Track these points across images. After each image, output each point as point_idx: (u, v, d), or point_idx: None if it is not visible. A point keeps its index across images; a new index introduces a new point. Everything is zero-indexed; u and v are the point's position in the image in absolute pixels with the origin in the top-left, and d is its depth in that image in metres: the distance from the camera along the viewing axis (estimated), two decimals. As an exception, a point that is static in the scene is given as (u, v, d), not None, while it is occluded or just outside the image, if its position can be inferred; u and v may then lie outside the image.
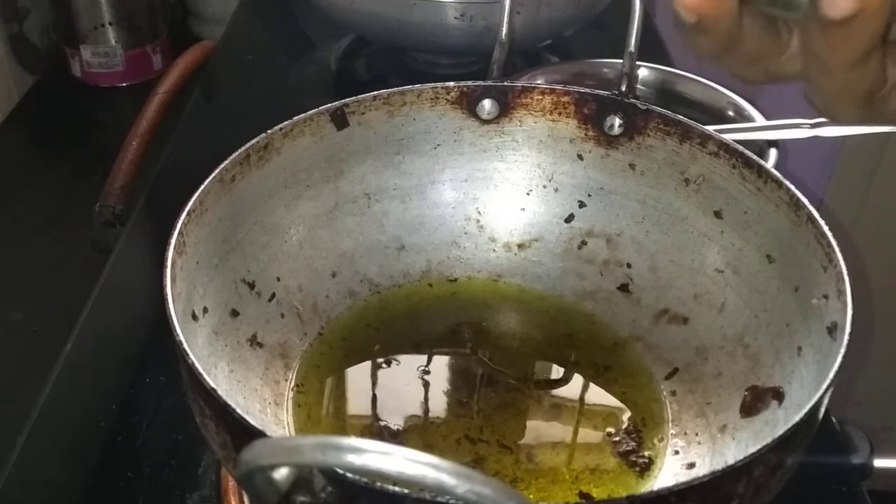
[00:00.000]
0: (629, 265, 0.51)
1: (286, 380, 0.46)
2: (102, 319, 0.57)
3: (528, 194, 0.54)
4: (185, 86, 0.78)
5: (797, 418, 0.33)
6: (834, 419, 0.52)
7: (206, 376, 0.33)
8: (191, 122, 0.75)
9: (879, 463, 0.50)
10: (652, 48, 0.84)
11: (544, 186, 0.53)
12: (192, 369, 0.33)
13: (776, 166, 0.58)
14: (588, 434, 0.45)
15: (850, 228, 0.95)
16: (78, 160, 0.86)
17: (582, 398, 0.47)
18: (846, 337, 0.35)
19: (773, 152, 0.59)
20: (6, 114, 0.89)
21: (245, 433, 0.31)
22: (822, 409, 0.34)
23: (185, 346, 0.34)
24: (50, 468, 0.50)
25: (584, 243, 0.53)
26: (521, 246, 0.53)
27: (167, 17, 0.98)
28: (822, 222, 0.41)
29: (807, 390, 0.39)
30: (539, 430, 0.45)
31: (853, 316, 0.36)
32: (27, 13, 0.91)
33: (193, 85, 0.79)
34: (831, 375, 0.34)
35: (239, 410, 0.32)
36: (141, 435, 0.51)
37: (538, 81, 0.68)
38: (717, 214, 0.48)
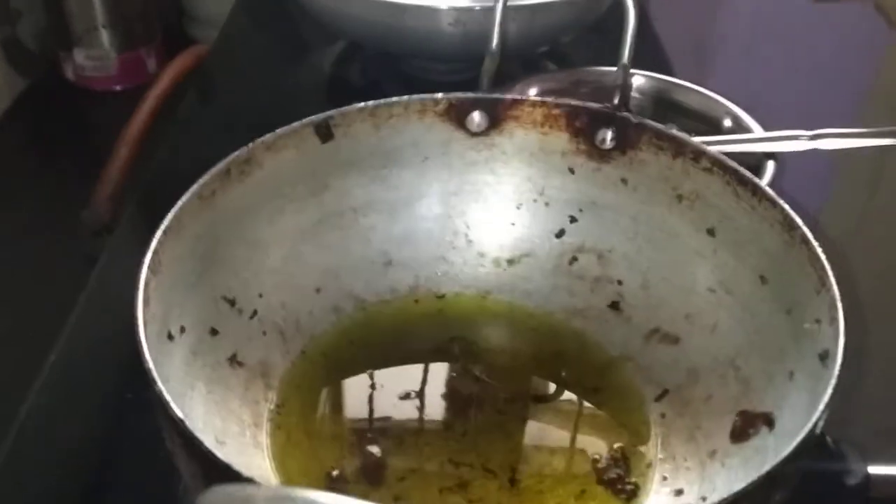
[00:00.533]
0: (620, 282, 0.50)
1: (266, 400, 0.45)
2: (88, 329, 0.56)
3: (517, 208, 0.52)
4: (177, 91, 0.77)
5: (785, 453, 0.31)
6: (828, 438, 0.50)
7: (173, 406, 0.32)
8: (182, 128, 0.74)
9: (874, 470, 0.49)
10: (651, 55, 0.82)
11: (535, 200, 0.52)
12: (160, 398, 0.32)
13: (774, 179, 0.57)
14: (574, 459, 0.43)
15: (853, 237, 0.93)
16: (71, 164, 0.85)
17: (569, 421, 0.45)
18: (837, 368, 0.34)
19: (770, 164, 0.58)
20: None
21: (213, 466, 0.31)
22: (813, 439, 0.33)
23: (154, 373, 0.33)
24: (31, 483, 0.49)
25: (574, 259, 0.51)
26: (510, 261, 0.52)
27: (162, 20, 0.97)
28: (815, 244, 0.40)
29: (798, 417, 0.38)
30: (525, 453, 0.44)
31: (845, 344, 0.35)
32: (20, 16, 0.90)
33: (185, 90, 0.78)
34: (821, 408, 0.33)
35: (212, 440, 0.31)
36: (124, 450, 0.50)
37: (533, 89, 0.66)
38: (711, 232, 0.47)
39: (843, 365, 0.34)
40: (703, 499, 0.40)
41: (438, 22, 0.67)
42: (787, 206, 0.42)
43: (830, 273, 0.38)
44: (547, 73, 0.74)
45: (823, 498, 0.44)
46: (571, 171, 0.51)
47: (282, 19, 0.89)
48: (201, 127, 0.75)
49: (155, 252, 0.39)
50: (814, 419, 0.32)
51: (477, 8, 0.66)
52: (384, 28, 0.68)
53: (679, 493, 0.41)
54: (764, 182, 0.44)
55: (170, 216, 0.41)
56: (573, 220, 0.52)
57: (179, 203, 0.41)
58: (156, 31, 0.94)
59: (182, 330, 0.42)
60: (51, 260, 0.73)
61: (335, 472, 0.42)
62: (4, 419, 0.50)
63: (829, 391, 0.33)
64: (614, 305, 0.50)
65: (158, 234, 0.40)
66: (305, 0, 0.73)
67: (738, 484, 0.39)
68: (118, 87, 0.92)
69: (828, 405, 0.33)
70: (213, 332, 0.44)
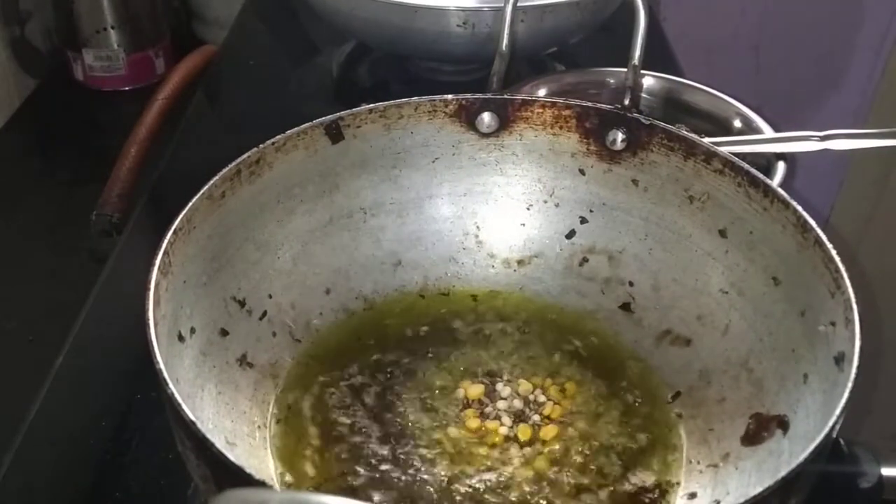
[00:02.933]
0: (631, 283, 0.50)
1: (276, 401, 0.45)
2: (97, 329, 0.56)
3: (528, 209, 0.52)
4: (186, 91, 0.77)
5: (802, 457, 0.31)
6: (842, 441, 0.50)
7: (185, 408, 0.32)
8: (191, 129, 0.74)
9: (887, 472, 0.48)
10: (660, 56, 0.82)
11: (545, 201, 0.52)
12: (172, 400, 0.32)
13: (785, 179, 0.57)
14: (585, 463, 0.43)
15: (864, 236, 0.93)
16: (80, 165, 0.86)
17: (580, 424, 0.45)
18: (854, 371, 0.34)
19: (781, 165, 0.58)
20: (7, 118, 0.88)
21: (224, 468, 0.30)
22: (829, 443, 0.33)
23: (166, 374, 0.33)
24: (38, 486, 0.49)
25: (585, 260, 0.51)
26: (520, 262, 0.52)
27: (170, 21, 0.97)
28: (830, 246, 0.40)
29: (812, 420, 0.38)
30: (532, 458, 0.43)
31: (861, 347, 0.35)
32: (29, 16, 0.90)
33: (194, 90, 0.78)
34: (837, 412, 0.32)
35: (223, 441, 0.31)
36: (132, 452, 0.49)
37: (541, 90, 0.66)
38: (722, 233, 0.46)
39: (859, 368, 0.34)
40: (717, 502, 0.40)
41: (447, 23, 0.67)
42: (799, 208, 0.42)
43: (846, 275, 0.38)
44: (555, 73, 0.74)
45: (837, 500, 0.44)
46: (582, 172, 0.51)
47: (290, 20, 0.89)
48: (210, 127, 0.75)
49: (165, 253, 0.39)
50: (830, 423, 0.32)
51: (485, 9, 0.66)
52: (393, 29, 0.68)
53: (692, 496, 0.41)
54: (775, 183, 0.44)
55: (180, 217, 0.41)
56: (583, 221, 0.51)
57: (190, 204, 0.41)
58: (164, 31, 0.94)
59: (192, 331, 0.41)
60: (60, 259, 0.73)
61: (346, 474, 0.42)
62: (14, 418, 0.50)
63: (846, 395, 0.33)
64: (625, 307, 0.50)
65: (169, 234, 0.40)
66: (314, 1, 0.73)
67: (752, 488, 0.39)
68: (127, 88, 0.92)
69: (844, 408, 0.33)
70: (223, 332, 0.44)
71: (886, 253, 0.90)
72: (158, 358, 0.34)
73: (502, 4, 0.51)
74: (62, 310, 0.57)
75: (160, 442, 0.49)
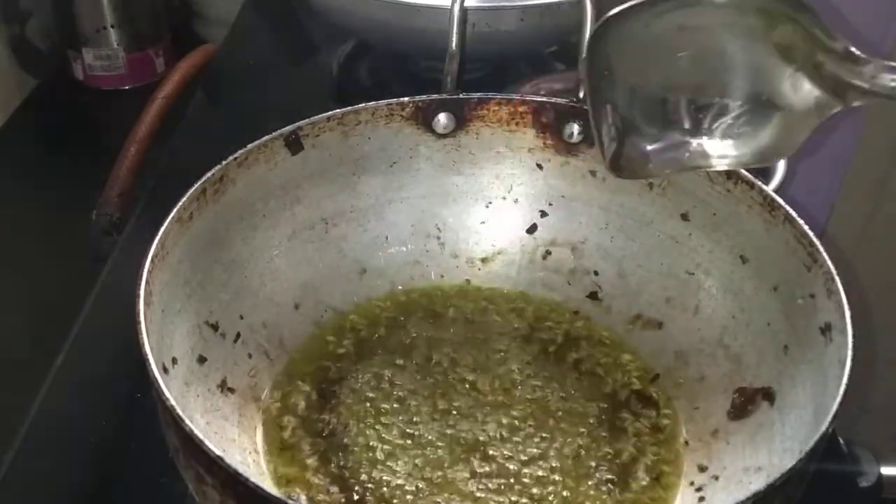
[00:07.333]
0: (596, 273, 0.51)
1: (262, 424, 0.44)
2: (96, 330, 0.54)
3: (487, 207, 0.52)
4: (186, 91, 0.75)
5: (824, 426, 0.32)
6: (841, 440, 0.49)
7: (209, 444, 0.30)
8: (191, 128, 0.71)
9: (887, 471, 0.49)
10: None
11: (504, 198, 0.52)
12: (192, 436, 0.31)
13: (783, 179, 0.55)
14: (575, 453, 0.44)
15: (860, 244, 0.92)
16: (80, 164, 0.84)
17: (561, 415, 0.45)
18: (849, 337, 0.36)
19: (780, 165, 0.57)
20: (7, 117, 0.85)
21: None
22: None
23: (179, 411, 0.32)
24: (38, 486, 0.46)
25: (548, 253, 0.52)
26: (484, 260, 0.52)
27: (170, 20, 0.94)
28: (801, 222, 0.41)
29: (801, 390, 0.40)
30: (516, 452, 0.44)
31: (853, 316, 0.36)
32: (29, 15, 0.87)
33: (194, 89, 0.75)
34: (845, 381, 0.34)
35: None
36: (132, 452, 0.47)
37: (542, 89, 0.65)
38: (685, 217, 0.48)
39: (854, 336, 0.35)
40: (715, 478, 0.41)
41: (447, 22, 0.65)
42: (765, 188, 0.43)
43: (822, 249, 0.40)
44: (555, 73, 0.73)
45: (836, 499, 0.45)
46: (539, 166, 0.51)
47: (290, 19, 0.87)
48: (210, 126, 0.73)
49: (147, 283, 0.37)
50: (842, 390, 0.34)
51: (486, 8, 0.65)
52: (393, 28, 0.66)
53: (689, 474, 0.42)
54: (773, 183, 0.45)
55: (154, 243, 0.39)
56: (543, 214, 0.52)
57: (162, 228, 0.40)
58: (164, 30, 0.93)
59: (174, 361, 0.40)
60: (60, 259, 0.71)
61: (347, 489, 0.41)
62: (14, 418, 0.48)
63: (848, 366, 0.34)
64: (593, 296, 0.51)
65: (147, 262, 0.38)
66: (315, 0, 0.71)
67: (748, 461, 0.40)
68: (127, 87, 0.90)
69: (851, 373, 0.34)
70: (201, 359, 0.42)
71: (888, 252, 0.90)
72: (168, 395, 0.32)
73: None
74: (62, 310, 0.55)
75: (160, 442, 0.47)
